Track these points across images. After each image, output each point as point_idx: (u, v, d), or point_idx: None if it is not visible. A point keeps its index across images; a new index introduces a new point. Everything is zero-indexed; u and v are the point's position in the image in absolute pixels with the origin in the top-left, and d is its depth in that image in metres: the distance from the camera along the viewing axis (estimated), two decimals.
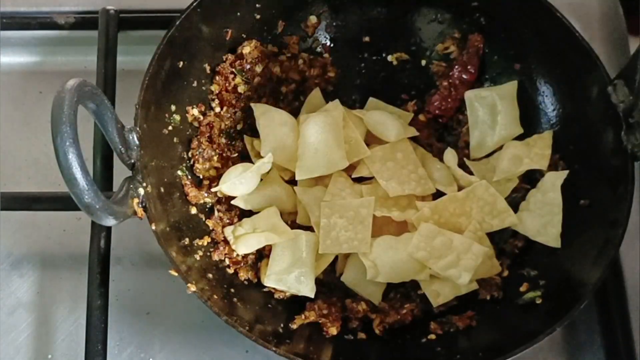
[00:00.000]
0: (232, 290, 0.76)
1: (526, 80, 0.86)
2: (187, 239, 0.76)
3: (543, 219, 0.79)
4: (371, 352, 0.74)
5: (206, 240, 0.78)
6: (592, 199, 0.78)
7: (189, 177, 0.81)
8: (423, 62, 0.91)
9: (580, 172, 0.80)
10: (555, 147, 0.83)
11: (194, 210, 0.80)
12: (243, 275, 0.79)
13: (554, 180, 0.80)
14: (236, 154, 0.85)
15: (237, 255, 0.78)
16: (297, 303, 0.78)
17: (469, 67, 0.88)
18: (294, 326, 0.75)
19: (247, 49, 0.86)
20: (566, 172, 0.80)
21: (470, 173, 0.83)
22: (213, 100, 0.85)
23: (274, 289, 0.78)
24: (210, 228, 0.80)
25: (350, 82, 0.91)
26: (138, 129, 0.72)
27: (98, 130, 0.82)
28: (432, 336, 0.76)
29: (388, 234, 0.79)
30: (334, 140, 0.81)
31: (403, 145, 0.83)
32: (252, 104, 0.84)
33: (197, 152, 0.82)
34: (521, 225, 0.80)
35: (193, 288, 0.69)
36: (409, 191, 0.80)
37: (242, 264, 0.79)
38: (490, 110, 0.85)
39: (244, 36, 0.86)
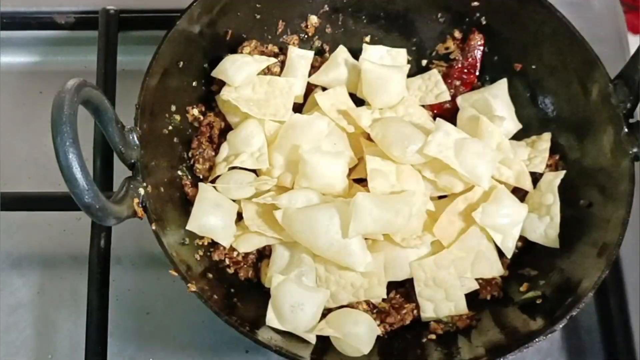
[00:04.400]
0: (232, 290, 0.76)
1: (526, 81, 0.86)
2: (187, 239, 0.76)
3: (542, 220, 0.79)
4: (371, 351, 0.73)
5: (206, 240, 0.78)
6: (592, 199, 0.78)
7: (189, 177, 0.81)
8: (423, 62, 0.91)
9: (581, 172, 0.80)
10: (555, 147, 0.83)
11: None
12: (243, 275, 0.79)
13: (551, 181, 0.80)
14: None
15: (237, 255, 0.78)
16: None
17: (469, 67, 0.88)
18: None
19: (247, 49, 0.86)
20: (563, 172, 0.80)
21: None
22: (213, 100, 0.85)
23: None
24: None
25: None
26: (138, 129, 0.72)
27: (98, 130, 0.82)
28: (432, 336, 0.76)
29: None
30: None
31: None
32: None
33: (198, 152, 0.82)
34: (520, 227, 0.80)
35: (193, 288, 0.69)
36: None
37: (242, 264, 0.79)
38: (486, 111, 0.85)
39: (244, 36, 0.86)
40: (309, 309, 0.73)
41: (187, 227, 0.75)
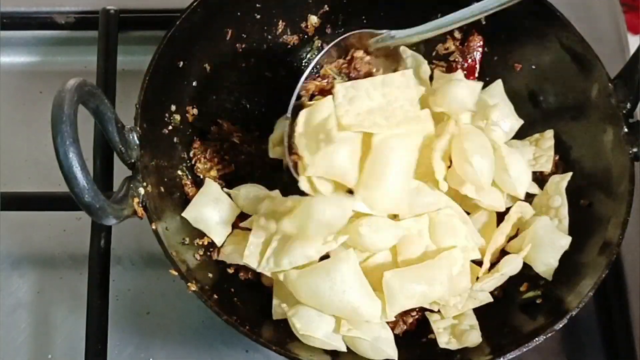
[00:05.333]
0: (232, 290, 0.76)
1: (526, 80, 0.86)
2: (187, 239, 0.76)
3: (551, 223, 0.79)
4: None
5: (206, 240, 0.78)
6: (592, 199, 0.78)
7: (189, 177, 0.81)
8: None
9: (580, 172, 0.80)
10: (555, 147, 0.83)
11: None
12: (243, 275, 0.79)
13: (558, 182, 0.79)
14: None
15: None
16: None
17: (468, 69, 0.88)
18: None
19: None
20: (569, 174, 0.80)
21: None
22: None
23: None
24: None
25: None
26: (138, 128, 0.72)
27: (98, 130, 0.82)
28: (432, 336, 0.76)
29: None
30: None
31: None
32: None
33: (198, 152, 0.82)
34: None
35: (193, 288, 0.69)
36: None
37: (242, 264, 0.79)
38: (484, 112, 0.84)
39: (244, 36, 0.86)
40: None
41: (183, 214, 0.75)
